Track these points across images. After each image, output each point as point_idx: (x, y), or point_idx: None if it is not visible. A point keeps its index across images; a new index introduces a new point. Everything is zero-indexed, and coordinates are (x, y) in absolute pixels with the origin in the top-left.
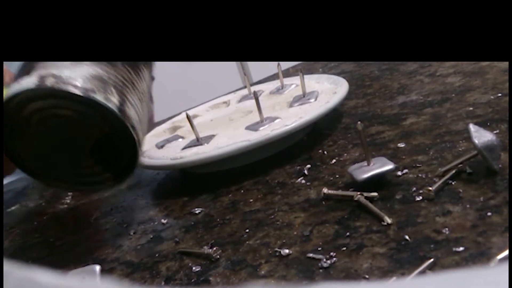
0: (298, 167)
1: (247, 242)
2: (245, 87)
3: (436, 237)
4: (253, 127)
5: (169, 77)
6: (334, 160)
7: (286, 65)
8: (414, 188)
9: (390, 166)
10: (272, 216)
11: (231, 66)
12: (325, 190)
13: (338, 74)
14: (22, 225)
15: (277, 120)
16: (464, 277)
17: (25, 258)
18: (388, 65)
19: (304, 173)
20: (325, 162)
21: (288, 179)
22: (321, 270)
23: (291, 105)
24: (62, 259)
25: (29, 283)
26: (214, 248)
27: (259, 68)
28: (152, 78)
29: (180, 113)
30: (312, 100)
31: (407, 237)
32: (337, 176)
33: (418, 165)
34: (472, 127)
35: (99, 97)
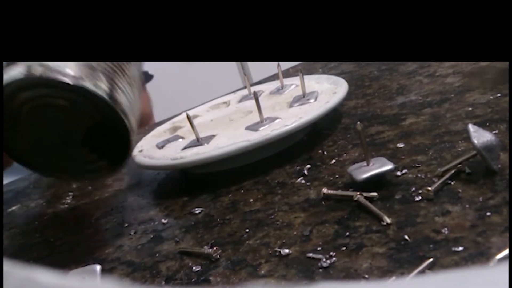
0: (298, 167)
1: (247, 242)
2: (245, 87)
3: (435, 237)
4: (253, 127)
5: (169, 77)
6: (334, 160)
7: (286, 65)
8: (414, 188)
9: (389, 166)
10: (272, 216)
11: (231, 66)
12: (325, 190)
13: (338, 75)
14: (23, 225)
15: (277, 120)
16: (463, 277)
17: (25, 258)
18: (388, 66)
19: (304, 173)
20: (325, 162)
21: (288, 179)
22: (321, 270)
23: (291, 105)
24: (63, 259)
25: (29, 283)
26: (214, 248)
27: (259, 68)
28: (151, 77)
29: (180, 114)
30: (312, 100)
31: (406, 237)
32: (337, 176)
33: (417, 165)
34: (471, 127)
35: (88, 84)
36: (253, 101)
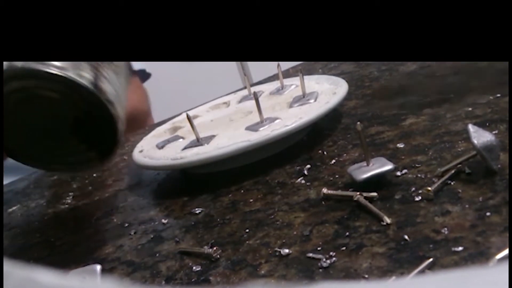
0: (298, 167)
1: (247, 242)
2: (245, 87)
3: (435, 237)
4: (253, 128)
5: (169, 77)
6: (333, 160)
7: (286, 65)
8: (413, 188)
9: (389, 166)
10: (272, 216)
11: (231, 66)
12: (324, 190)
13: (338, 75)
14: (23, 225)
15: (277, 121)
16: (463, 277)
17: (26, 258)
18: (388, 66)
19: (304, 173)
20: (325, 162)
21: (288, 179)
22: (320, 270)
23: (291, 105)
24: (63, 259)
25: (30, 283)
26: (214, 248)
27: (259, 69)
28: (148, 75)
29: (180, 114)
30: (312, 100)
31: (406, 237)
32: (336, 176)
33: (417, 165)
34: (471, 127)
35: (71, 73)
36: (253, 102)
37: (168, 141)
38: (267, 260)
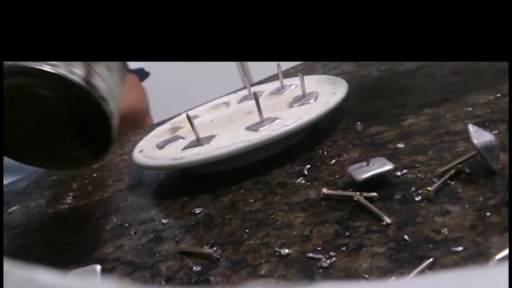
0: (298, 167)
1: (247, 242)
2: (245, 87)
3: (435, 237)
4: (253, 128)
5: (169, 77)
6: (333, 160)
7: (286, 65)
8: (413, 188)
9: (389, 166)
10: (272, 216)
11: (231, 66)
12: (324, 190)
13: (338, 75)
14: (23, 225)
15: (277, 121)
16: (463, 277)
17: (26, 258)
18: (388, 66)
19: (304, 173)
20: (325, 162)
21: (288, 179)
22: (320, 270)
23: (291, 105)
24: (63, 259)
25: (30, 283)
26: (214, 248)
27: (259, 69)
28: (147, 74)
29: (180, 114)
30: (312, 100)
31: (406, 237)
32: (336, 176)
33: (417, 165)
34: (471, 127)
35: (62, 70)
36: (253, 102)
37: (168, 141)
38: (267, 260)
